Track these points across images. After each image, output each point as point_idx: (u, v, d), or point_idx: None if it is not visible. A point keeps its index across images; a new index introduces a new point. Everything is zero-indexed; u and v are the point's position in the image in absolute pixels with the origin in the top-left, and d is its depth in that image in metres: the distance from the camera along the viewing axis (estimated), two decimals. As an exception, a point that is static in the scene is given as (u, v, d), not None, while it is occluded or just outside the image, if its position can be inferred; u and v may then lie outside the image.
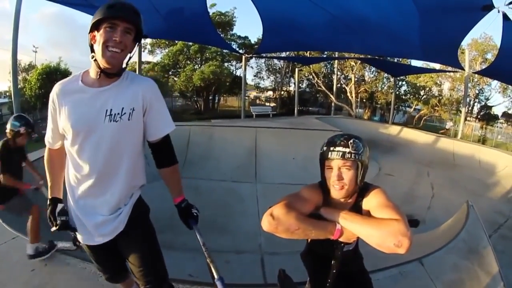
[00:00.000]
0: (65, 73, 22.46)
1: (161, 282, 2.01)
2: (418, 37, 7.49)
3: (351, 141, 1.65)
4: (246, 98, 21.82)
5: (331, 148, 1.67)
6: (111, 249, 1.95)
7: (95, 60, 1.71)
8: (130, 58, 1.82)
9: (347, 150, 1.62)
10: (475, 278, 3.00)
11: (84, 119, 1.72)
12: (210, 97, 31.90)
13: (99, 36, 1.66)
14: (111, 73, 1.75)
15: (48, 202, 1.96)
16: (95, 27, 1.68)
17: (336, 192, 1.68)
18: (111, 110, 1.73)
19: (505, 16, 6.61)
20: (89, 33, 1.73)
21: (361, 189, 1.76)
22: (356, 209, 1.74)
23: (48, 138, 1.93)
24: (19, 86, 12.31)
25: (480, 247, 3.29)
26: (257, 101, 39.35)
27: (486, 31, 25.84)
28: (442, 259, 3.11)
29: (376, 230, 1.46)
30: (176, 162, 2.05)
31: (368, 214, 1.69)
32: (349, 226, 1.56)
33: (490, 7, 5.93)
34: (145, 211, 2.05)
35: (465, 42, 24.44)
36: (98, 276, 2.35)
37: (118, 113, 1.74)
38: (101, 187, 1.82)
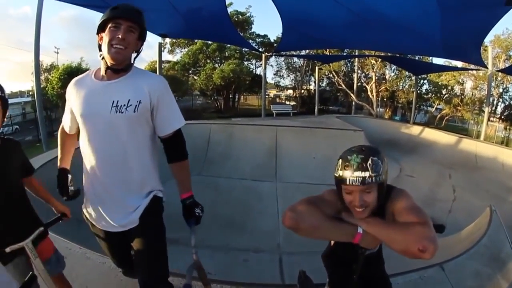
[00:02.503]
0: (86, 73, 22.66)
1: (158, 282, 1.99)
2: (440, 34, 7.33)
3: (370, 161, 1.53)
4: (266, 96, 21.81)
5: (349, 174, 1.54)
6: (123, 242, 2.02)
7: (103, 58, 1.85)
8: (137, 55, 1.97)
9: (367, 174, 1.52)
10: (496, 286, 2.92)
11: (92, 109, 1.84)
12: (230, 96, 31.99)
13: (105, 35, 1.81)
14: (118, 68, 1.87)
15: (57, 173, 2.09)
16: (101, 28, 1.85)
17: (359, 214, 1.60)
18: (117, 101, 1.83)
19: (529, 11, 6.37)
20: (97, 34, 1.88)
21: (385, 192, 1.68)
22: (379, 212, 1.66)
23: (65, 122, 2.12)
24: (41, 86, 12.57)
25: (503, 254, 3.22)
26: (277, 100, 39.27)
27: (509, 27, 25.09)
28: (463, 265, 3.05)
29: (400, 234, 1.42)
30: (186, 158, 2.09)
31: (391, 217, 1.64)
32: (371, 230, 1.52)
33: None
34: (158, 211, 2.08)
35: (488, 39, 23.53)
36: (117, 270, 2.40)
37: (124, 105, 1.83)
38: (111, 179, 1.92)
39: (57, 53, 36.84)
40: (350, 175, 1.54)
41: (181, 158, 2.07)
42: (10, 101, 2.09)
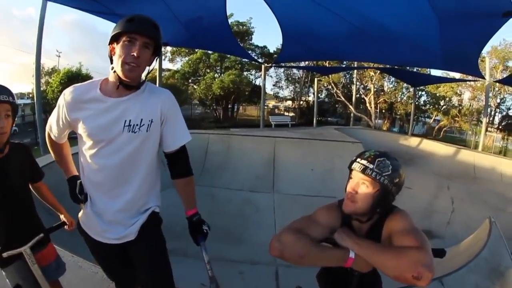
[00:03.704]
0: (86, 78, 22.51)
1: None
2: (438, 45, 7.37)
3: (380, 159, 1.55)
4: (265, 107, 21.85)
5: (357, 159, 1.59)
6: (117, 255, 1.98)
7: (114, 71, 1.74)
8: (149, 72, 1.87)
9: (370, 166, 1.53)
10: None
11: (103, 129, 1.75)
12: (229, 106, 32.15)
13: (118, 49, 1.69)
14: (130, 85, 1.77)
15: (68, 183, 2.08)
16: (114, 39, 1.72)
17: (346, 205, 1.60)
18: (130, 121, 1.76)
19: (526, 22, 6.42)
20: (109, 44, 1.76)
21: (384, 212, 1.64)
22: (375, 233, 1.64)
23: (54, 131, 1.99)
24: (41, 89, 12.60)
25: (502, 267, 3.17)
26: (276, 111, 39.48)
27: (506, 38, 25.35)
28: (463, 278, 2.99)
29: (393, 259, 1.35)
30: (191, 174, 2.04)
31: (388, 239, 1.58)
32: (363, 254, 1.46)
33: (511, 13, 5.82)
34: (157, 223, 2.04)
35: (485, 50, 23.85)
36: (109, 282, 2.37)
37: (137, 124, 1.77)
38: (114, 193, 1.85)
39: (59, 56, 36.72)
40: (357, 160, 1.59)
41: (187, 174, 2.02)
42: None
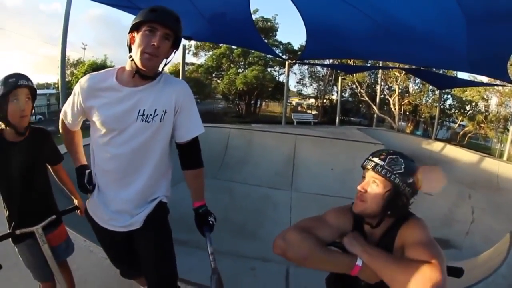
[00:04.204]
0: (111, 70, 23.28)
1: (167, 284, 1.99)
2: (465, 47, 7.15)
3: (392, 157, 1.49)
4: (288, 104, 21.77)
5: (369, 157, 1.56)
6: (123, 243, 2.00)
7: (132, 60, 1.74)
8: (166, 63, 1.85)
9: (381, 163, 1.48)
10: None
11: (117, 117, 1.76)
12: (252, 101, 32.24)
13: (138, 38, 1.69)
14: (146, 75, 1.76)
15: (77, 172, 2.08)
16: (135, 28, 1.72)
17: (355, 204, 1.55)
18: (143, 110, 1.77)
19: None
20: (129, 33, 1.76)
21: (399, 218, 1.55)
22: (388, 241, 1.54)
23: (68, 119, 2.00)
24: (66, 80, 12.85)
25: None
26: (299, 108, 39.30)
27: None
28: None
29: (403, 274, 1.25)
30: (201, 166, 2.05)
31: (400, 250, 1.47)
32: (372, 264, 1.37)
33: None
34: (164, 213, 2.04)
35: None
36: (116, 269, 2.41)
37: (151, 114, 1.78)
38: (123, 182, 1.87)
39: (84, 49, 37.52)
40: (370, 158, 1.55)
41: (197, 166, 2.03)
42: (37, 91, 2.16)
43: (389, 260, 1.35)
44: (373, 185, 1.50)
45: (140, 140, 1.80)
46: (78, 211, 2.42)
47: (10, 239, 2.12)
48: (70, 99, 1.92)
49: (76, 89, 1.85)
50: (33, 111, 2.14)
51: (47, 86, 40.82)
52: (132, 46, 1.74)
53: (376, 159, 1.51)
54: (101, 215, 1.93)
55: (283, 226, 5.33)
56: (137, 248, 1.97)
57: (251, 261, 4.58)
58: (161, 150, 1.90)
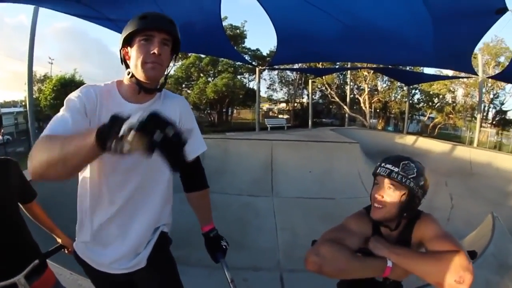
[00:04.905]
0: (80, 84, 22.24)
1: None
2: (432, 44, 7.41)
3: (404, 162, 1.56)
4: (260, 110, 21.86)
5: (382, 164, 1.59)
6: (124, 284, 1.74)
7: (132, 76, 1.50)
8: (168, 72, 1.62)
9: (395, 169, 1.53)
10: None
11: None
12: (223, 110, 32.14)
13: (134, 51, 1.47)
14: (152, 88, 1.55)
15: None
16: (127, 41, 1.49)
17: (374, 211, 1.58)
18: None
19: (519, 19, 6.46)
20: (121, 49, 1.53)
21: (412, 217, 1.63)
22: (405, 239, 1.62)
23: (60, 130, 1.28)
24: (34, 96, 12.48)
25: (510, 260, 3.21)
26: (270, 113, 39.45)
27: (498, 34, 25.75)
28: (474, 275, 2.92)
29: (434, 266, 1.34)
30: (208, 186, 1.91)
31: (418, 245, 1.60)
32: (402, 263, 1.43)
33: (504, 9, 5.81)
34: (166, 245, 1.81)
35: (477, 47, 24.29)
36: None
37: None
38: (130, 216, 1.60)
39: (51, 63, 36.31)
40: (382, 165, 1.59)
41: (204, 187, 1.90)
42: (2, 110, 1.91)
43: (417, 256, 1.44)
44: (389, 191, 1.55)
45: (145, 165, 1.56)
46: (65, 250, 2.20)
47: None
48: (68, 107, 1.41)
49: (80, 96, 1.46)
50: (0, 138, 1.94)
51: (13, 104, 39.45)
52: (128, 62, 1.52)
53: (390, 166, 1.56)
54: (99, 259, 1.63)
55: (268, 233, 5.32)
56: (144, 285, 1.76)
57: (242, 272, 4.49)
58: (166, 176, 1.71)
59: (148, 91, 1.54)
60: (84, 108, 1.43)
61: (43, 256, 1.97)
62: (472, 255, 1.45)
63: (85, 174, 1.56)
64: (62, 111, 1.40)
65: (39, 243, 2.03)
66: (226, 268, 1.84)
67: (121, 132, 0.92)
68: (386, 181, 1.55)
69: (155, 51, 1.44)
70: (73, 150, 1.05)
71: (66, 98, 1.46)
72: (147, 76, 1.48)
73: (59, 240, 2.23)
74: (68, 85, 21.87)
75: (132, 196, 1.58)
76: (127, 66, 1.54)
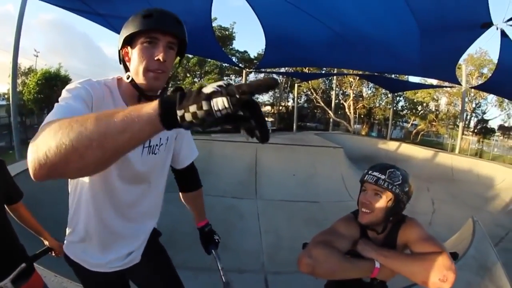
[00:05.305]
0: (65, 80, 22.13)
1: None
2: (418, 54, 7.59)
3: (390, 170, 1.64)
4: (245, 112, 21.84)
5: (369, 172, 1.67)
6: (118, 284, 1.71)
7: (132, 81, 1.34)
8: (171, 76, 1.46)
9: (382, 177, 1.61)
10: None
11: None
12: (209, 111, 32.07)
13: (136, 53, 1.30)
14: (153, 95, 1.38)
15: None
16: (127, 41, 1.32)
17: (362, 216, 1.65)
18: (149, 141, 1.47)
19: (503, 33, 6.72)
20: (120, 49, 1.36)
21: (397, 221, 1.72)
22: (391, 241, 1.71)
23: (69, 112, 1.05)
24: (18, 89, 12.12)
25: (489, 262, 3.31)
26: (255, 116, 39.48)
27: (482, 46, 26.36)
28: (456, 276, 3.04)
29: (419, 266, 1.43)
30: (201, 185, 1.97)
31: (403, 247, 1.68)
32: (390, 264, 1.51)
33: (489, 24, 6.06)
34: (158, 240, 1.87)
35: (462, 58, 24.95)
36: None
37: (157, 145, 1.52)
38: (125, 220, 1.55)
39: (37, 56, 35.36)
40: (370, 172, 1.67)
41: (198, 187, 1.95)
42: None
43: (403, 257, 1.53)
44: (376, 197, 1.63)
45: (146, 176, 1.53)
46: (52, 252, 2.13)
47: None
48: (72, 93, 1.18)
49: (85, 86, 1.24)
50: None
51: (-4, 96, 38.29)
52: (128, 64, 1.36)
53: (377, 173, 1.64)
54: (96, 261, 1.56)
55: (252, 235, 5.30)
56: (139, 281, 1.82)
57: (226, 274, 4.49)
58: (164, 178, 1.69)
59: (149, 98, 1.36)
60: (90, 98, 1.23)
61: (30, 259, 1.90)
62: (454, 256, 1.52)
63: (83, 178, 1.43)
64: (64, 100, 1.14)
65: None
66: (218, 258, 1.92)
67: (208, 92, 0.72)
68: (374, 187, 1.63)
69: (160, 57, 1.27)
70: (120, 124, 0.74)
71: (66, 88, 1.22)
72: (149, 86, 1.33)
73: (46, 243, 2.15)
74: (53, 79, 21.34)
75: (137, 200, 1.56)
76: (126, 68, 1.37)
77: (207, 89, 0.72)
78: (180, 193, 1.95)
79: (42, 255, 2.02)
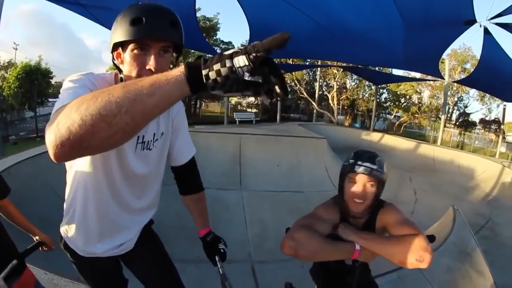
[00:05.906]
0: (45, 73, 21.94)
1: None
2: (402, 48, 7.68)
3: (378, 159, 1.67)
4: (228, 103, 21.74)
5: (359, 163, 1.65)
6: (113, 270, 1.75)
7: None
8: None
9: (375, 167, 1.63)
10: (467, 278, 3.16)
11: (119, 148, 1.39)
12: (192, 102, 31.81)
13: (128, 58, 1.25)
14: None
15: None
16: (118, 44, 1.25)
17: (356, 206, 1.68)
18: (143, 137, 1.47)
19: (486, 31, 6.90)
20: (112, 52, 1.31)
21: (376, 206, 1.74)
22: (370, 225, 1.76)
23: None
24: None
25: (469, 248, 3.44)
26: (239, 107, 39.37)
27: (465, 42, 26.79)
28: (435, 262, 3.12)
29: (397, 247, 1.48)
30: (203, 188, 1.86)
31: (381, 231, 1.73)
32: (370, 246, 1.56)
33: (473, 21, 6.20)
34: (152, 228, 1.87)
35: (445, 53, 25.36)
36: None
37: (151, 140, 1.50)
38: (121, 210, 1.54)
39: (16, 49, 34.45)
40: (359, 163, 1.65)
41: (200, 189, 1.84)
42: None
43: (382, 240, 1.59)
44: (370, 186, 1.65)
45: (140, 172, 1.51)
46: (43, 248, 2.09)
47: None
48: (77, 83, 1.16)
49: (86, 77, 1.23)
50: None
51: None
52: (121, 66, 1.31)
53: (368, 164, 1.64)
54: (92, 250, 1.57)
55: (239, 226, 5.31)
56: (133, 268, 1.81)
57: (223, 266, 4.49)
58: (160, 172, 1.67)
59: None
60: (95, 89, 1.18)
61: (20, 255, 1.86)
62: (430, 238, 1.57)
63: (82, 168, 1.42)
64: (70, 89, 1.12)
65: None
66: (221, 269, 1.77)
67: (229, 52, 0.78)
68: (367, 178, 1.64)
69: (152, 68, 1.23)
70: (149, 88, 0.76)
71: (69, 79, 1.19)
72: None
73: (36, 238, 2.10)
74: (33, 73, 20.90)
75: (141, 194, 1.59)
76: (119, 70, 1.34)
77: (229, 51, 0.79)
78: (181, 197, 1.85)
79: (33, 250, 1.99)
